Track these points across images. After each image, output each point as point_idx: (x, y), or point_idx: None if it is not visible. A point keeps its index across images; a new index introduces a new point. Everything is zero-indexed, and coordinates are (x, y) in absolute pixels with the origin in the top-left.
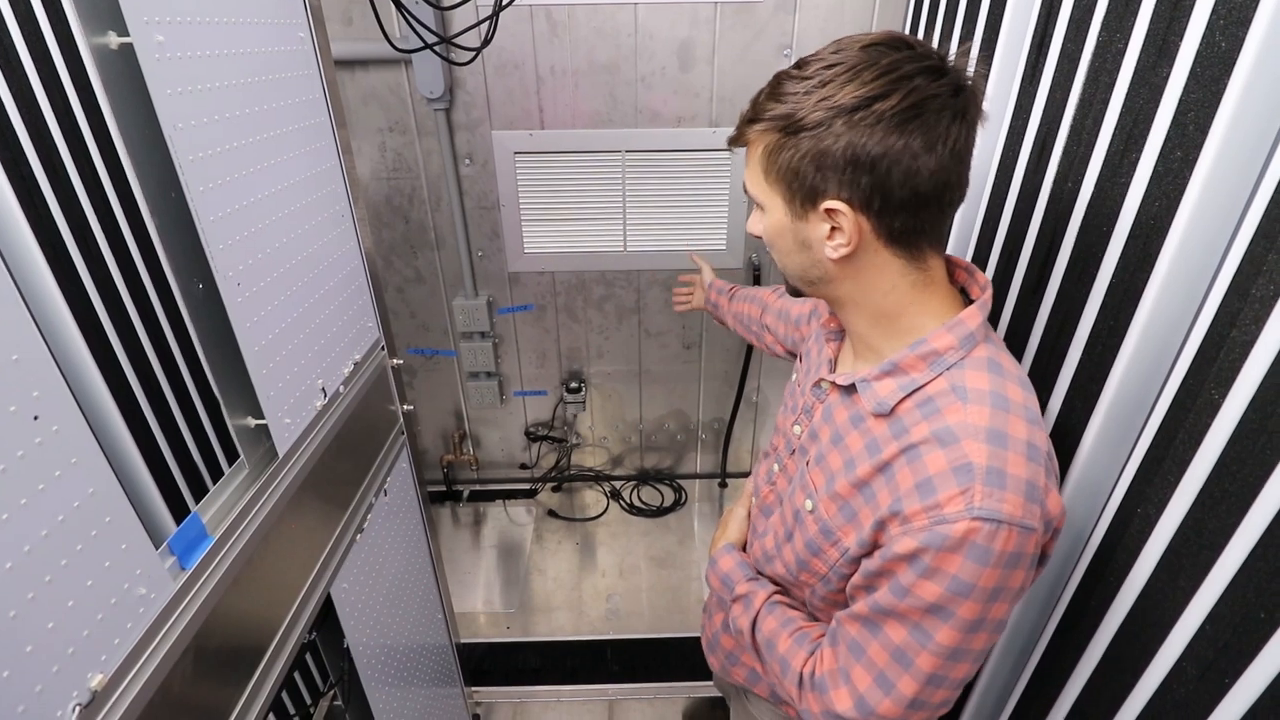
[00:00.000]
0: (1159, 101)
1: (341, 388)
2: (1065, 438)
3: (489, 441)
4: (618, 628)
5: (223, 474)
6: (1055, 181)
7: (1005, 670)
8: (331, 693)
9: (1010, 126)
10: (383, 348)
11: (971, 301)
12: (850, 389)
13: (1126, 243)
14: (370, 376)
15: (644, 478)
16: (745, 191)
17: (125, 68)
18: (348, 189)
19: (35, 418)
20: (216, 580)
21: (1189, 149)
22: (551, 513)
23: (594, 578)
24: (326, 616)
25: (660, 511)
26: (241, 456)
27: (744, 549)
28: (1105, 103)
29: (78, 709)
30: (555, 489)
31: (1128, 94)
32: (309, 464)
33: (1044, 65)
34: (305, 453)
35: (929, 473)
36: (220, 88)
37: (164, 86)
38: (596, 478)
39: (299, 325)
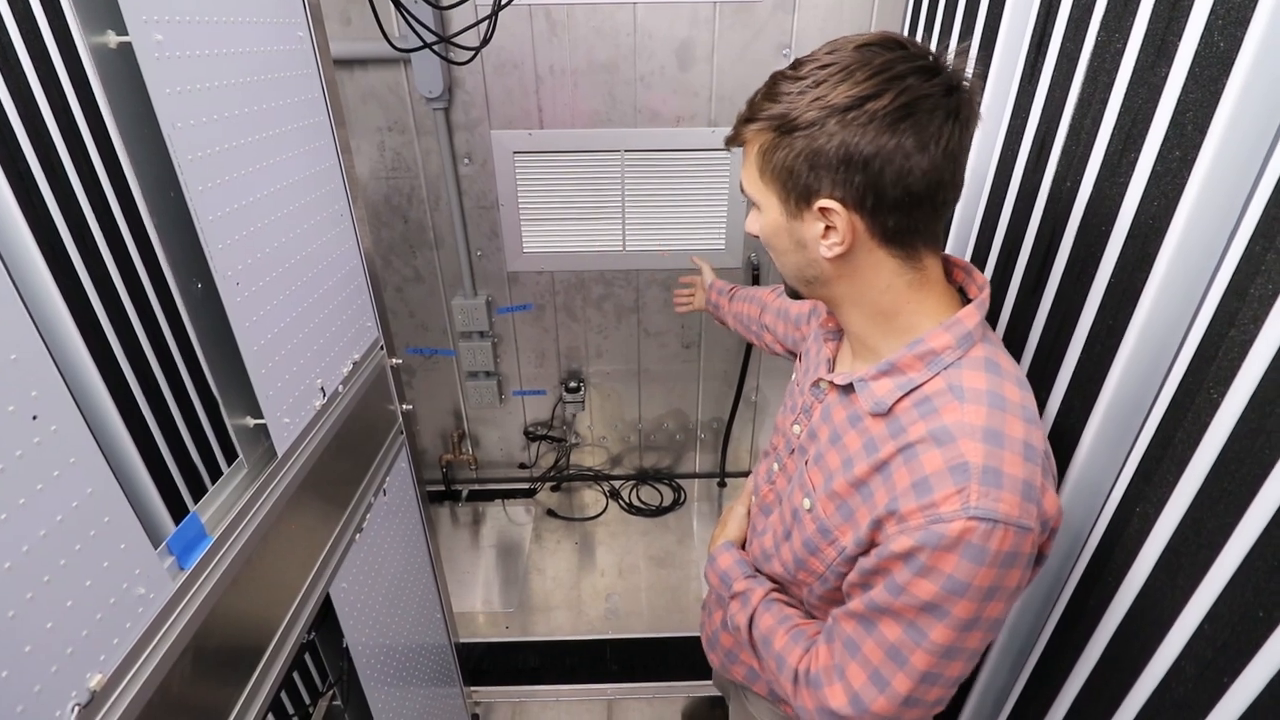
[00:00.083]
0: (1158, 101)
1: (340, 387)
2: (1064, 437)
3: (488, 441)
4: (617, 627)
5: (221, 474)
6: (1054, 181)
7: (1004, 670)
8: (330, 693)
9: (1009, 126)
10: (382, 347)
11: (969, 301)
12: (848, 389)
13: (1125, 242)
14: (369, 376)
15: (643, 477)
16: (742, 191)
17: (124, 67)
18: (347, 188)
19: (34, 417)
20: (215, 580)
21: (1187, 149)
22: (550, 512)
23: (593, 577)
24: (325, 616)
25: (659, 511)
26: (240, 456)
27: (743, 547)
28: (1104, 102)
29: (77, 709)
30: (554, 488)
31: (1126, 94)
32: (308, 464)
33: (1043, 65)
34: (304, 452)
35: (925, 472)
36: (219, 87)
37: (163, 85)
38: (595, 477)
39: (298, 325)
